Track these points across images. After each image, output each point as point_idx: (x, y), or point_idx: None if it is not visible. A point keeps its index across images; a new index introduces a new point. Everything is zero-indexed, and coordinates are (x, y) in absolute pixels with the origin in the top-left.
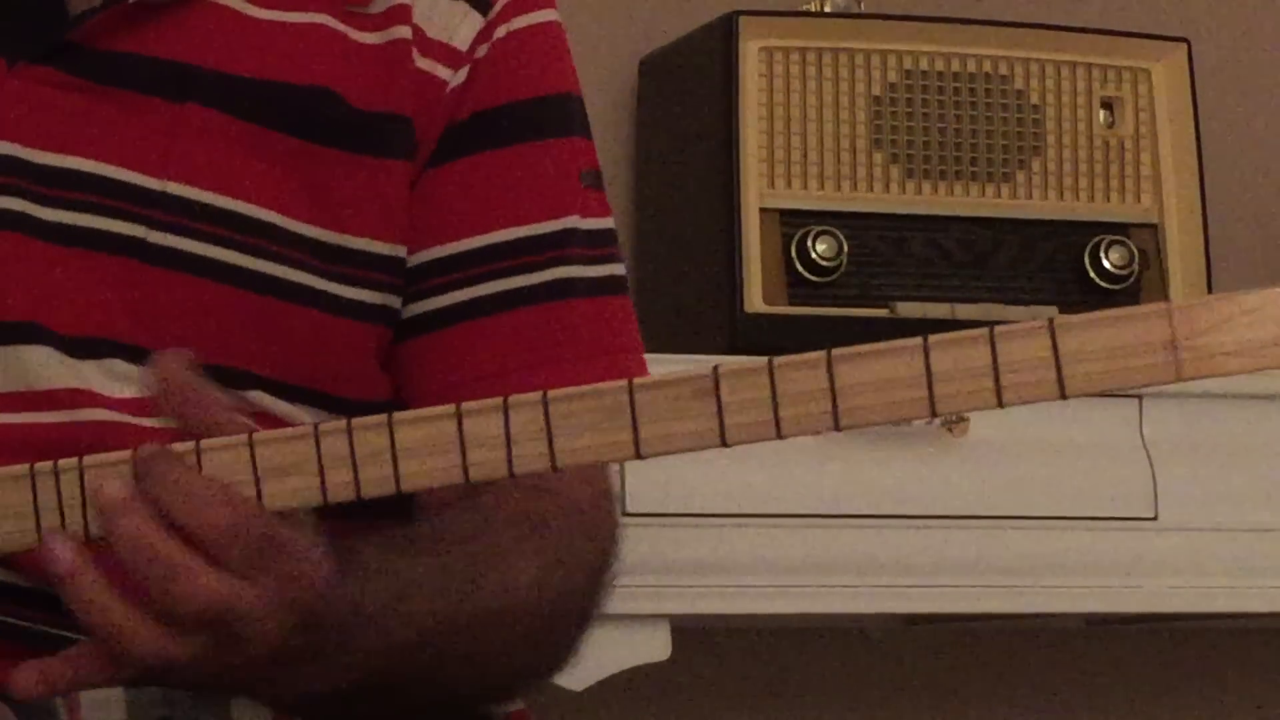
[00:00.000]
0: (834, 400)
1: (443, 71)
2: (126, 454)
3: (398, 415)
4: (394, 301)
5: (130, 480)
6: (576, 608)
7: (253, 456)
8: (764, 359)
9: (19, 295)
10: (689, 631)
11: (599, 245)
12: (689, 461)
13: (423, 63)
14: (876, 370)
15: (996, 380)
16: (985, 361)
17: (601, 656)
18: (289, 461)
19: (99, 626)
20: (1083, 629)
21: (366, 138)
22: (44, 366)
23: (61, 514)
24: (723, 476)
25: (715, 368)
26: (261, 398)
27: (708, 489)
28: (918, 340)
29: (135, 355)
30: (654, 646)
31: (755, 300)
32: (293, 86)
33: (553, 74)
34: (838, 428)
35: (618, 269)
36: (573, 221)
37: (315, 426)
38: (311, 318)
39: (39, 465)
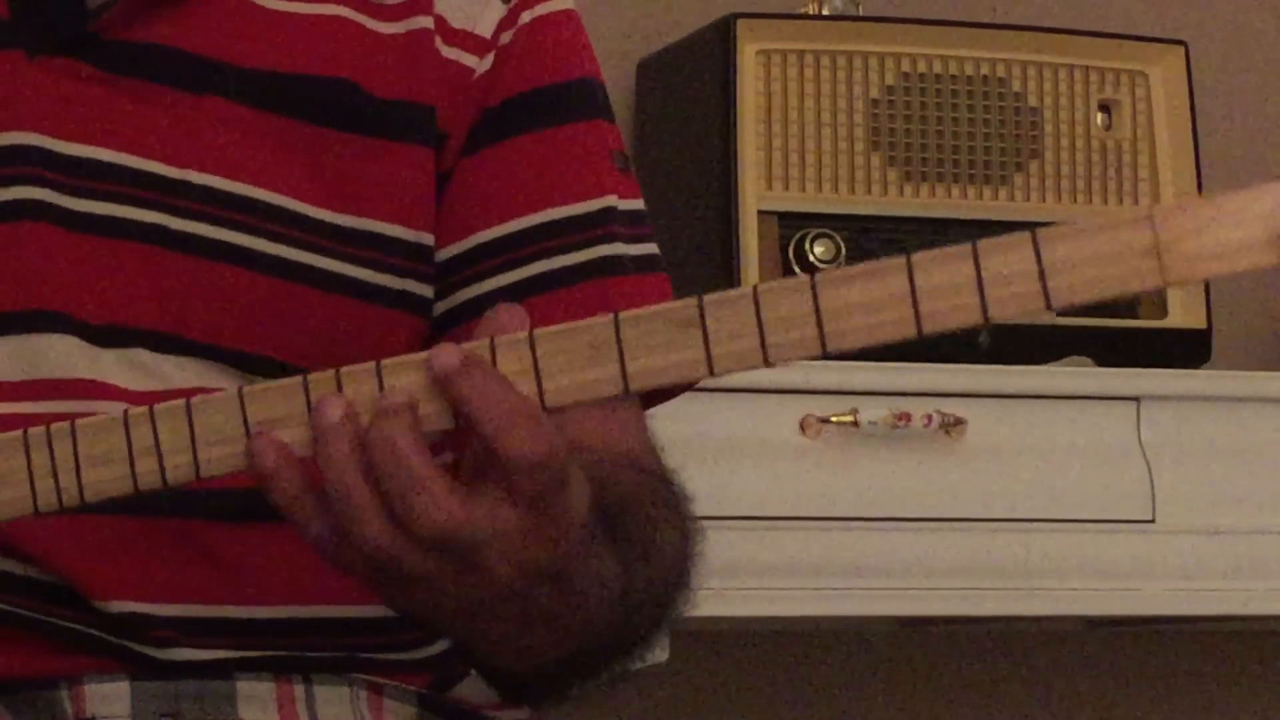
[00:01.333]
0: (820, 323)
1: (469, 59)
2: (357, 367)
3: (385, 361)
4: (416, 287)
5: (403, 388)
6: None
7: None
8: (749, 285)
9: (43, 284)
10: (687, 634)
11: (636, 224)
12: (686, 464)
13: (447, 51)
14: (861, 291)
15: (982, 294)
16: (969, 276)
17: None
18: (280, 414)
19: (337, 497)
20: (1080, 631)
21: (386, 124)
22: (66, 356)
23: (56, 478)
24: (720, 479)
25: (700, 296)
26: None
27: (705, 492)
28: (901, 259)
29: (159, 343)
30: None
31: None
32: (312, 78)
33: (578, 59)
34: (825, 351)
35: (654, 248)
36: (611, 201)
37: (304, 376)
38: (332, 302)
39: (32, 430)
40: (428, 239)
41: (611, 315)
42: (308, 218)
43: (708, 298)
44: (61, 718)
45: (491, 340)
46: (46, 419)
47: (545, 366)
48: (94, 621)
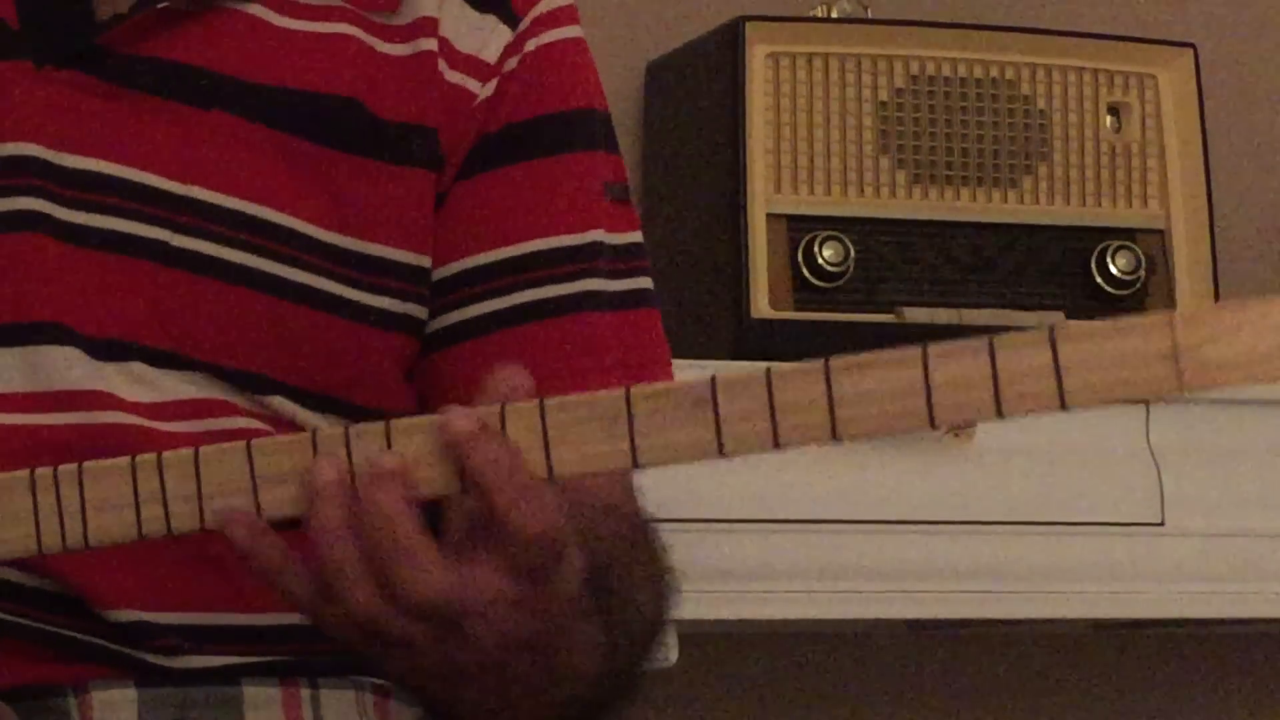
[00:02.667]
0: (831, 411)
1: (472, 84)
2: (335, 430)
3: (395, 422)
4: (416, 310)
5: (399, 454)
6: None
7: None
8: (762, 368)
9: (44, 296)
10: (695, 637)
11: (625, 259)
12: (694, 466)
13: (452, 75)
14: (875, 381)
15: (996, 391)
16: (985, 372)
17: None
18: (288, 470)
19: (325, 561)
20: (1089, 635)
21: (390, 146)
22: (67, 367)
23: (61, 520)
24: (728, 482)
25: (713, 377)
26: (283, 404)
27: (713, 494)
28: (916, 350)
29: (156, 358)
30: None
31: (762, 305)
32: (317, 95)
33: (580, 89)
34: (835, 438)
35: (644, 282)
36: (599, 235)
37: (314, 433)
38: (332, 324)
39: (39, 471)
40: (427, 261)
41: (624, 390)
42: (311, 239)
43: (720, 378)
44: None
45: (502, 407)
46: (53, 430)
47: (554, 436)
48: (100, 630)
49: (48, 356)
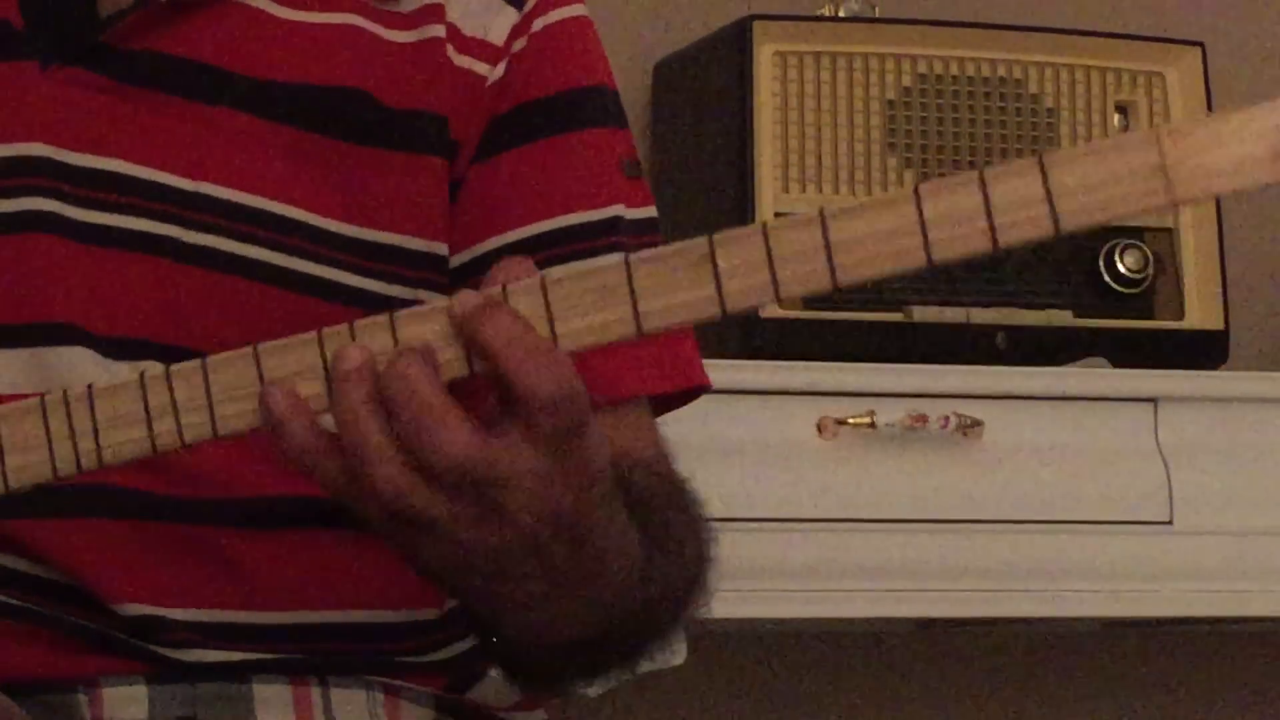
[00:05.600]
0: (829, 255)
1: (481, 68)
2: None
3: (399, 312)
4: (429, 297)
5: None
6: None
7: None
8: (758, 224)
9: (52, 296)
10: (704, 636)
11: (644, 233)
12: (702, 466)
13: (460, 60)
14: (870, 223)
15: (990, 221)
16: (977, 203)
17: None
18: (296, 370)
19: (351, 440)
20: (1098, 633)
21: (400, 135)
22: (78, 368)
23: (74, 442)
24: (737, 481)
25: (710, 236)
26: None
27: (722, 493)
28: (908, 190)
29: (170, 356)
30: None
31: (770, 305)
32: (324, 89)
33: (589, 66)
34: (835, 284)
35: None
36: (619, 210)
37: (319, 330)
38: (347, 315)
39: (49, 396)
40: (441, 249)
41: (622, 257)
42: (321, 230)
43: (717, 236)
44: None
45: (503, 287)
46: None
47: (558, 310)
48: (110, 623)
49: (57, 357)
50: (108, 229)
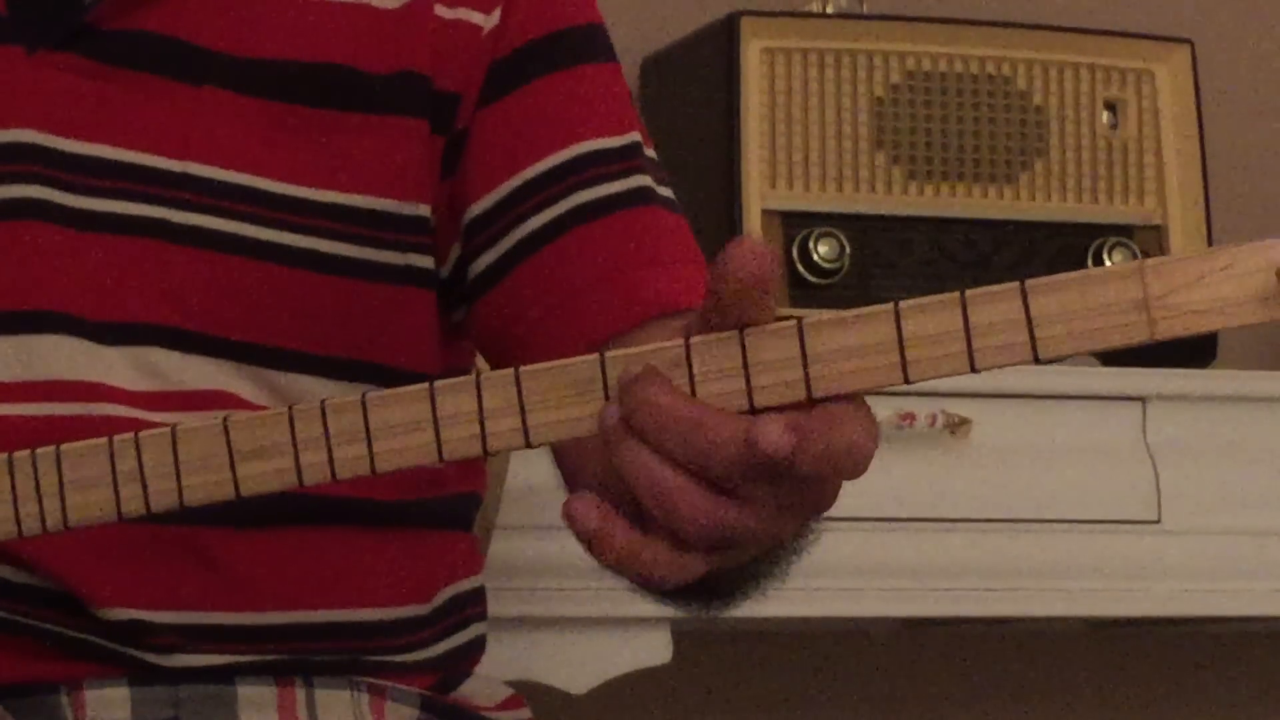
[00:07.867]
0: (805, 368)
1: (476, 17)
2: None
3: (370, 395)
4: (418, 261)
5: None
6: None
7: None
8: (735, 330)
9: (42, 284)
10: (690, 635)
11: (659, 168)
12: None
13: (453, 13)
14: (848, 337)
15: (969, 344)
16: (957, 325)
17: (603, 660)
18: (264, 444)
19: (655, 491)
20: (1085, 633)
21: (380, 99)
22: (67, 357)
23: (40, 502)
24: None
25: (687, 339)
26: (295, 381)
27: None
28: (889, 306)
29: (165, 338)
30: (655, 650)
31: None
32: (307, 64)
33: (585, 5)
34: (810, 397)
35: (673, 193)
36: (637, 138)
37: (290, 409)
38: (338, 284)
39: (17, 454)
40: (424, 210)
41: (597, 355)
42: (307, 201)
43: (694, 340)
44: None
45: (477, 375)
46: (45, 421)
47: (530, 403)
48: (94, 627)
49: (45, 346)
50: (99, 214)
